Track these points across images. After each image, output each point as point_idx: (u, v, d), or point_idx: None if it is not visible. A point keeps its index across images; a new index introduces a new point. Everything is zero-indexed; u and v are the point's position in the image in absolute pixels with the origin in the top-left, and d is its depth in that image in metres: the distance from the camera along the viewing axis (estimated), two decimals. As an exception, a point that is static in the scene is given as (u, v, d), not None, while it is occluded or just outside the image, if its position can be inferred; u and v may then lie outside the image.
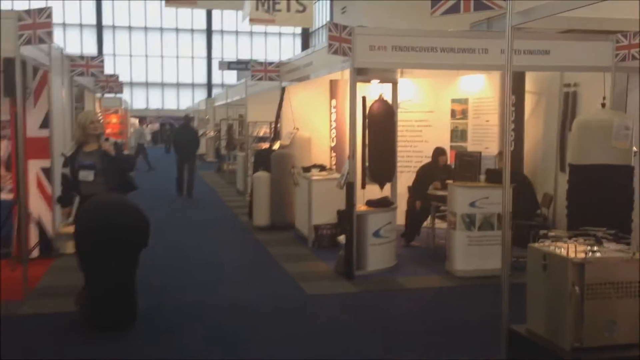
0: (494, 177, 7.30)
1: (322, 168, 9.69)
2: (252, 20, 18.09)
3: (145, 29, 47.42)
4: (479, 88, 9.89)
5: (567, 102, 8.56)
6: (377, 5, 25.14)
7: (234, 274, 7.73)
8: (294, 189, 10.13)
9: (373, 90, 8.08)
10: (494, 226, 7.23)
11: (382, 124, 7.73)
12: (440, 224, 9.02)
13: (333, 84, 10.78)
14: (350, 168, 7.22)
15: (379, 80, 7.83)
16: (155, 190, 15.93)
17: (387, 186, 8.16)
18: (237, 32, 48.50)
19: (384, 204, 7.65)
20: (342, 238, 7.60)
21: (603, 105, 7.52)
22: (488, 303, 5.98)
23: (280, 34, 47.98)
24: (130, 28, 47.00)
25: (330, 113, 10.86)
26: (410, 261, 8.08)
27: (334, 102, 10.78)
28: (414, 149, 10.55)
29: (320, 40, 41.23)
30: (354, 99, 7.23)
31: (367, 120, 7.70)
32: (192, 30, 48.51)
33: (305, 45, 46.03)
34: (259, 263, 8.29)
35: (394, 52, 7.15)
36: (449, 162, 9.27)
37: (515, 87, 9.08)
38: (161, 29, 47.76)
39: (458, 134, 10.25)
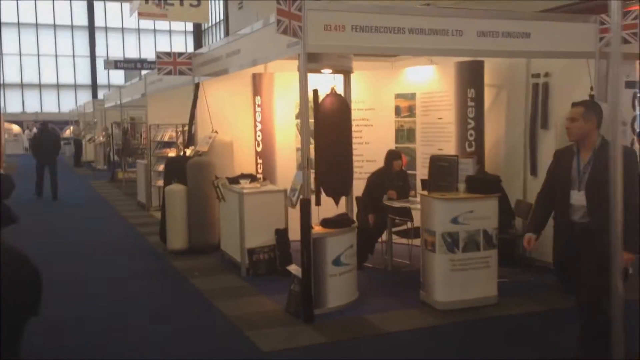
0: (476, 185, 6.03)
1: (251, 178, 8.07)
2: (141, 15, 16.21)
3: (18, 24, 43.28)
4: (428, 81, 8.64)
5: (537, 94, 7.46)
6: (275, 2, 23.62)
7: (153, 321, 5.97)
8: (217, 205, 8.44)
9: (318, 83, 6.56)
10: (479, 246, 5.94)
11: (336, 124, 6.25)
12: (397, 239, 7.71)
13: (257, 79, 9.21)
14: (303, 180, 5.67)
15: (331, 70, 6.34)
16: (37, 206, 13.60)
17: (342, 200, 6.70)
18: (122, 29, 45.40)
19: (343, 222, 6.17)
20: (293, 268, 6.05)
21: (591, 97, 6.46)
22: (496, 347, 4.70)
23: (170, 31, 45.34)
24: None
25: (255, 112, 9.26)
26: (373, 290, 6.65)
27: (258, 99, 9.20)
28: (353, 152, 9.16)
29: (214, 39, 39.22)
30: (305, 93, 5.68)
31: (318, 120, 6.18)
32: (72, 27, 44.85)
33: (198, 44, 43.69)
34: (184, 303, 6.55)
35: (354, 33, 5.68)
36: (403, 167, 7.98)
37: (474, 79, 7.94)
38: (36, 25, 43.77)
39: (404, 134, 8.97)
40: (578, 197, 4.18)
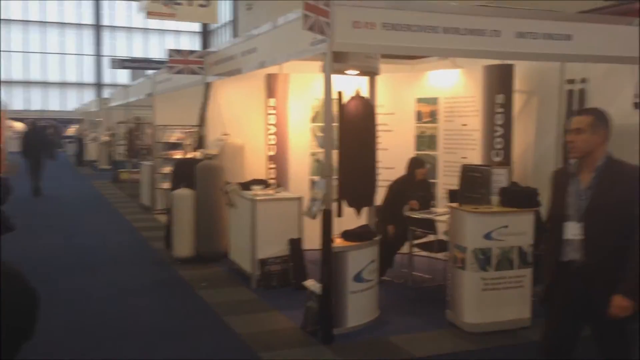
0: (511, 198, 5.58)
1: (264, 184, 7.61)
2: (150, 14, 15.88)
3: (25, 22, 42.96)
4: (452, 85, 8.19)
5: (572, 102, 7.00)
6: (286, 4, 23.23)
7: (158, 340, 5.51)
8: (227, 211, 7.98)
9: (340, 85, 6.11)
10: (512, 264, 5.49)
11: (360, 129, 5.79)
12: (418, 252, 7.26)
13: (271, 80, 8.76)
14: (326, 190, 5.22)
15: (357, 71, 5.88)
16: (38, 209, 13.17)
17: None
18: (129, 28, 45.04)
19: (365, 235, 5.71)
20: (311, 284, 5.59)
21: (636, 105, 6.00)
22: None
23: (178, 31, 44.97)
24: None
25: (267, 115, 8.82)
26: (395, 308, 6.18)
27: (272, 101, 8.75)
28: (369, 159, 8.70)
29: (222, 40, 38.80)
30: (329, 95, 5.24)
31: (341, 125, 5.72)
32: (79, 25, 44.51)
33: (205, 45, 43.30)
34: (191, 318, 6.07)
35: (385, 31, 5.23)
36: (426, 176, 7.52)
37: (503, 84, 7.48)
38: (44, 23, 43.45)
39: (425, 140, 8.51)
40: (575, 229, 3.29)
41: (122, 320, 5.99)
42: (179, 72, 8.79)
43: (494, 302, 5.46)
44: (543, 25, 5.78)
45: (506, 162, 7.33)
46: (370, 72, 5.93)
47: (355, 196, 5.74)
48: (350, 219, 6.10)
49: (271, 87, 8.78)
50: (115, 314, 6.18)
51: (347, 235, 5.62)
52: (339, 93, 5.64)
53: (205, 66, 8.80)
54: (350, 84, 6.09)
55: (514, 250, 5.47)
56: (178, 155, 11.89)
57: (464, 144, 8.04)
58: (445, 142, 8.29)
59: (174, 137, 12.18)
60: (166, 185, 11.77)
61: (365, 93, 6.05)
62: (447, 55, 7.00)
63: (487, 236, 5.39)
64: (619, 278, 3.13)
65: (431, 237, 7.13)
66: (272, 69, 8.60)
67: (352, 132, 5.66)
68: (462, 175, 5.75)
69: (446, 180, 8.12)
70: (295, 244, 7.04)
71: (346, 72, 5.80)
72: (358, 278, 5.55)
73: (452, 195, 6.55)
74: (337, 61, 5.32)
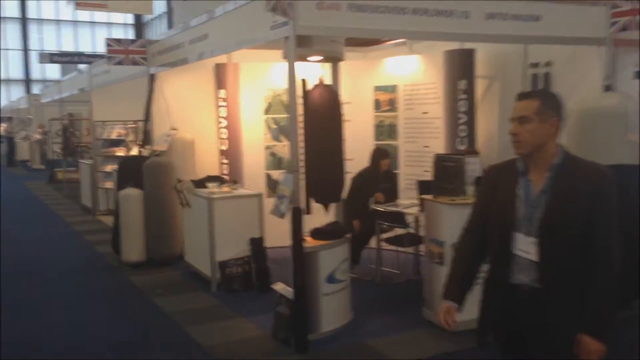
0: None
1: (220, 181, 7.14)
2: (79, 5, 15.03)
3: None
4: (411, 72, 7.91)
5: (536, 86, 6.81)
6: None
7: (114, 356, 5.01)
8: (180, 211, 7.48)
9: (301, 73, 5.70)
10: (492, 256, 5.22)
11: (326, 120, 5.42)
12: (387, 246, 6.96)
13: (220, 70, 8.29)
14: (293, 186, 4.83)
15: (321, 57, 5.49)
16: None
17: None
18: (57, 21, 43.12)
19: (336, 233, 5.35)
20: (281, 287, 5.19)
21: (608, 87, 5.85)
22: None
23: (110, 23, 43.34)
24: None
25: (218, 107, 8.33)
26: (367, 307, 5.85)
27: (222, 92, 8.27)
28: (327, 150, 8.34)
29: (157, 33, 37.63)
30: (293, 83, 4.84)
31: (306, 115, 5.33)
32: (4, 18, 42.31)
33: (138, 37, 41.87)
34: (149, 330, 5.59)
35: (351, 13, 4.86)
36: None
37: (465, 69, 7.26)
38: (-36, 16, 41.09)
39: (384, 130, 8.22)
40: (526, 245, 2.56)
41: (71, 334, 5.45)
42: (119, 63, 8.18)
43: (475, 298, 5.18)
44: (513, 5, 5.52)
45: (472, 150, 7.09)
46: (334, 58, 5.56)
47: (324, 191, 5.37)
48: (316, 215, 5.73)
49: (220, 77, 8.30)
50: (62, 327, 5.62)
51: (316, 233, 5.25)
52: (303, 81, 5.25)
53: (148, 56, 8.22)
54: (309, 72, 5.70)
55: (492, 242, 5.21)
56: (120, 152, 11.27)
57: (425, 132, 7.78)
58: (406, 131, 8.01)
59: (115, 133, 11.51)
60: (109, 184, 11.13)
61: (328, 81, 5.67)
62: (416, 38, 6.69)
63: (466, 229, 5.10)
64: (584, 312, 2.47)
65: (399, 231, 6.85)
66: (220, 59, 8.14)
67: (317, 123, 5.28)
68: (436, 165, 5.45)
69: (408, 170, 7.86)
70: (257, 243, 6.63)
71: (308, 58, 5.40)
72: (331, 279, 5.19)
73: (422, 186, 6.28)
74: (301, 46, 4.91)
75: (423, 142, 7.79)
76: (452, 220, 5.12)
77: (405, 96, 7.97)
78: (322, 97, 5.38)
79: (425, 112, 7.74)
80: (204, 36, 6.58)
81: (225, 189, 6.81)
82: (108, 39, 8.23)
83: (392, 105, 8.10)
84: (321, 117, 5.33)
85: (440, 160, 5.45)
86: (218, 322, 5.64)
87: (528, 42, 6.16)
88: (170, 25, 33.95)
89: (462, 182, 5.38)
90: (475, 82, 7.26)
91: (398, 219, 6.50)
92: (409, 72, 7.90)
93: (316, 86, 5.45)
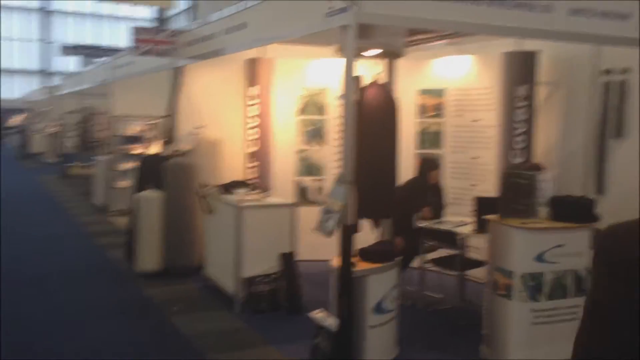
0: (564, 210, 4.58)
1: (248, 187, 6.45)
2: (103, -3, 14.60)
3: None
4: (463, 75, 7.18)
5: (608, 95, 6.06)
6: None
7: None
8: (202, 218, 6.79)
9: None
10: (567, 291, 4.49)
11: (380, 125, 4.70)
12: (433, 268, 6.22)
13: (251, 65, 7.61)
14: (345, 200, 4.12)
15: (378, 52, 4.78)
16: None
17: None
18: (79, 14, 42.77)
19: (387, 254, 4.63)
20: (320, 316, 4.47)
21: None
22: None
23: (132, 18, 42.89)
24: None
25: (247, 106, 7.65)
26: (412, 339, 5.11)
27: (253, 89, 7.58)
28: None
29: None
30: (350, 79, 4.14)
31: (359, 119, 4.60)
32: (26, 10, 42.01)
33: (160, 32, 41.32)
34: (165, 356, 4.89)
35: (421, 1, 4.16)
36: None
37: (526, 74, 6.51)
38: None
39: (428, 137, 7.49)
40: None
41: (76, 353, 4.76)
42: (146, 53, 7.52)
43: (545, 338, 4.45)
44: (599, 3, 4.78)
45: (535, 164, 6.36)
46: (393, 53, 4.84)
47: (374, 205, 4.64)
48: (361, 233, 5.01)
49: (252, 73, 7.62)
50: (66, 345, 4.94)
51: (365, 254, 4.53)
52: (357, 79, 4.53)
53: (177, 47, 7.56)
54: (359, 70, 4.98)
55: (568, 275, 4.47)
56: (138, 149, 10.60)
57: (475, 142, 7.05)
58: (453, 139, 7.28)
59: (134, 129, 10.86)
60: (124, 183, 10.48)
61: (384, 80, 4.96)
62: (490, 33, 5.91)
63: (539, 258, 4.38)
64: None
65: (442, 251, 6.12)
66: (251, 53, 7.47)
67: (370, 128, 4.56)
68: (504, 182, 4.72)
69: (453, 183, 7.12)
70: (288, 259, 5.93)
71: (364, 53, 4.68)
72: (379, 309, 4.47)
73: (481, 204, 5.52)
74: (359, 38, 4.20)
75: (472, 152, 7.06)
76: (524, 247, 4.40)
77: (454, 101, 7.25)
78: (377, 99, 4.67)
79: (476, 120, 7.00)
80: (242, 25, 5.88)
81: (254, 196, 6.12)
82: (135, 27, 7.58)
83: (438, 110, 7.37)
84: (375, 121, 4.61)
85: (509, 177, 4.71)
86: (244, 350, 4.93)
87: (613, 44, 5.39)
88: (194, 20, 33.42)
89: (533, 202, 4.65)
90: (537, 89, 6.52)
91: (447, 238, 5.76)
92: (460, 74, 7.17)
93: (370, 85, 4.73)
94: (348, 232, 4.10)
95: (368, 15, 4.01)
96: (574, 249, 4.47)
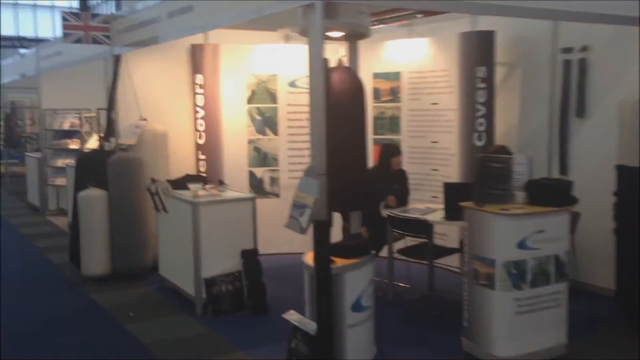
0: (542, 194, 4.43)
1: (203, 181, 6.07)
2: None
3: None
4: (419, 58, 6.97)
5: (569, 75, 5.98)
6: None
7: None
8: (153, 215, 6.36)
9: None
10: (549, 278, 4.35)
11: (347, 110, 4.40)
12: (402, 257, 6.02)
13: (196, 51, 7.20)
14: (319, 193, 3.83)
15: (343, 33, 4.47)
16: None
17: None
18: (-4, 3, 40.44)
19: (362, 248, 4.38)
20: (294, 317, 4.17)
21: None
22: None
23: (53, 7, 40.95)
24: None
25: (194, 94, 7.25)
26: (388, 334, 4.89)
27: (199, 78, 7.18)
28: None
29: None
30: (317, 62, 3.83)
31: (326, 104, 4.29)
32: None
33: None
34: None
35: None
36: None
37: (484, 54, 6.38)
38: None
39: (385, 123, 7.26)
40: None
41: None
42: (78, 41, 6.95)
43: (529, 328, 4.30)
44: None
45: (488, 146, 6.26)
46: (358, 35, 4.54)
47: (344, 197, 4.36)
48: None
49: (197, 60, 7.21)
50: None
51: (339, 249, 4.25)
52: (325, 61, 4.21)
53: (113, 34, 7.03)
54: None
55: (550, 261, 4.33)
56: (74, 145, 9.98)
57: (435, 126, 6.86)
58: (411, 124, 7.08)
59: (68, 123, 10.21)
60: (61, 181, 9.86)
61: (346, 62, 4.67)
62: (465, 11, 5.68)
63: (521, 245, 4.21)
64: None
65: (409, 239, 5.93)
66: (196, 39, 7.07)
67: (337, 114, 4.25)
68: (479, 167, 4.52)
69: (413, 169, 6.90)
70: (250, 256, 5.60)
71: (328, 34, 4.36)
72: (357, 306, 4.21)
73: (450, 190, 5.34)
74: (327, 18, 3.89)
75: (431, 136, 6.88)
76: (506, 234, 4.22)
77: (410, 85, 7.04)
78: (344, 83, 4.37)
79: (435, 103, 6.82)
80: (187, 8, 5.46)
81: (212, 191, 5.73)
82: (65, 12, 7.00)
83: (394, 95, 7.15)
84: (342, 106, 4.31)
85: (484, 161, 4.52)
86: (211, 357, 4.58)
87: (559, 19, 5.22)
88: (119, 6, 32.10)
89: (510, 187, 4.48)
90: (495, 70, 6.39)
91: (416, 227, 5.55)
92: (415, 57, 6.96)
93: (335, 69, 4.43)
94: (323, 227, 3.81)
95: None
96: (555, 234, 4.32)
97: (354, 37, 4.59)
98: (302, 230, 3.88)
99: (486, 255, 4.28)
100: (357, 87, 4.50)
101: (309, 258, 4.24)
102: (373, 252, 4.59)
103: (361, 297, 4.25)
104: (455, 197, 5.05)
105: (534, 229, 4.25)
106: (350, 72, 4.53)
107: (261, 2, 4.53)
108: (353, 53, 4.70)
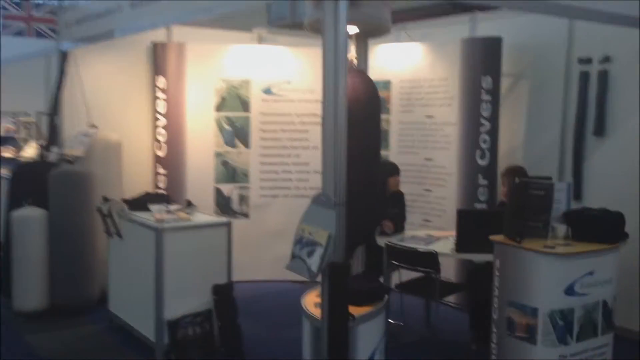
0: (588, 228, 3.71)
1: (166, 200, 5.12)
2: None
3: None
4: (413, 65, 6.23)
5: (586, 88, 5.33)
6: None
7: None
8: (103, 240, 5.36)
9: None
10: (597, 328, 3.63)
11: (359, 122, 3.56)
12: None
13: (158, 50, 6.29)
14: (337, 228, 2.98)
15: (358, 29, 3.64)
16: None
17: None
18: None
19: (378, 293, 3.55)
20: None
21: None
22: None
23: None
24: None
25: (154, 99, 6.31)
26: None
27: (160, 80, 6.25)
28: (294, 160, 6.56)
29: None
30: (337, 62, 3.00)
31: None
32: None
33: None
34: None
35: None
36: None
37: (490, 63, 5.69)
38: None
39: (371, 137, 6.43)
40: None
41: None
42: (19, 34, 5.92)
43: (574, 389, 3.56)
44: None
45: (492, 165, 5.59)
46: (378, 30, 3.73)
47: (354, 226, 3.51)
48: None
49: (159, 61, 6.29)
50: None
51: (352, 295, 3.39)
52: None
53: (61, 27, 6.03)
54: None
55: (598, 308, 3.61)
56: (7, 153, 8.77)
57: (429, 141, 6.12)
58: (402, 138, 6.32)
59: (2, 128, 9.01)
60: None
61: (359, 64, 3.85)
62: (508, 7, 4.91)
63: (569, 290, 3.47)
64: None
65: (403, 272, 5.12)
66: (159, 35, 6.17)
67: (349, 127, 3.42)
68: (521, 194, 3.75)
69: (403, 188, 6.08)
70: (223, 293, 4.67)
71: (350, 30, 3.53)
72: (370, 366, 3.38)
73: (464, 218, 4.55)
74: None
75: (425, 153, 6.13)
76: (551, 277, 3.47)
77: (402, 95, 6.28)
78: (357, 90, 3.54)
79: (430, 116, 6.08)
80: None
81: (179, 213, 4.79)
82: (3, 0, 5.94)
83: (383, 106, 6.37)
84: (353, 117, 3.48)
85: (524, 187, 3.75)
86: None
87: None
88: None
89: (548, 219, 3.74)
90: (501, 81, 5.71)
91: (420, 259, 4.74)
92: (409, 64, 6.21)
93: (348, 72, 3.60)
94: (342, 272, 2.96)
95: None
96: (604, 276, 3.61)
97: (366, 34, 3.78)
98: (312, 276, 3.01)
99: (526, 303, 3.51)
100: (371, 95, 3.69)
101: (309, 304, 3.41)
102: (387, 296, 3.74)
103: (375, 353, 3.42)
104: (469, 226, 4.33)
105: (583, 271, 3.51)
106: (364, 76, 3.72)
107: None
108: (363, 53, 3.89)
